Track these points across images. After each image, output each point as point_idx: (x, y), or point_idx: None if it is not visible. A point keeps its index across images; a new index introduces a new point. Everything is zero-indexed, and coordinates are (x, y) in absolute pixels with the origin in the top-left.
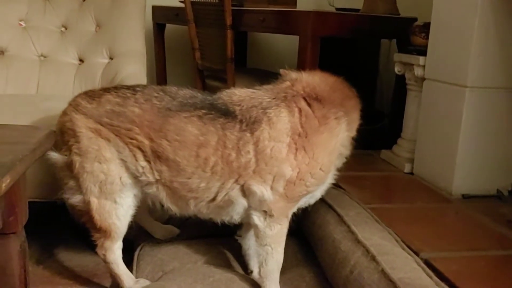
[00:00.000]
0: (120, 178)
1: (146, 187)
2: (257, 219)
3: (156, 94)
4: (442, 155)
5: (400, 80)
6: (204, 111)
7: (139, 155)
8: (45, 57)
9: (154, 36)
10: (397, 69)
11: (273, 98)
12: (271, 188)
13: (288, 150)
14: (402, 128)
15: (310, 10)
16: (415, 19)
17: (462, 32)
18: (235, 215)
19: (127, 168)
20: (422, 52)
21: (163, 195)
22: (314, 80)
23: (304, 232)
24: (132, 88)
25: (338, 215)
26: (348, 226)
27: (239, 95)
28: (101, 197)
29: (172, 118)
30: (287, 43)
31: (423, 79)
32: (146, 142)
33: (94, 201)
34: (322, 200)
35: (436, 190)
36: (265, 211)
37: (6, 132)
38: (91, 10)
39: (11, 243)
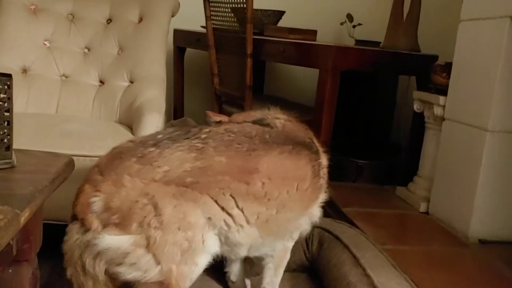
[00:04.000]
0: (203, 242)
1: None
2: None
3: (228, 138)
4: (459, 197)
5: (418, 116)
6: (289, 146)
7: (232, 204)
8: (66, 77)
9: (174, 59)
10: (416, 106)
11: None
12: None
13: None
14: (419, 166)
15: (332, 45)
16: (436, 57)
17: (485, 75)
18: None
19: (213, 227)
20: (442, 91)
21: (246, 239)
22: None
23: (317, 270)
24: (194, 136)
25: (354, 256)
26: (364, 270)
27: (283, 124)
28: (182, 263)
29: (265, 158)
30: (304, 72)
31: (442, 118)
32: (243, 186)
33: (173, 269)
34: (338, 239)
35: (452, 232)
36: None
37: (26, 159)
38: (115, 33)
39: (24, 271)
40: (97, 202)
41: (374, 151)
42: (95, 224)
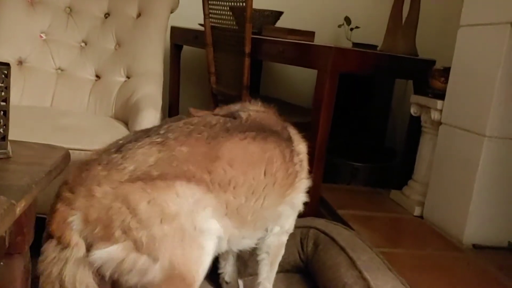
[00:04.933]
0: (196, 226)
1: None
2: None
3: (187, 129)
4: (454, 202)
5: (414, 121)
6: (253, 132)
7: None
8: (62, 70)
9: (170, 57)
10: (413, 110)
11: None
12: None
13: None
14: (414, 170)
15: (331, 46)
16: (434, 62)
17: (484, 80)
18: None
19: (202, 208)
20: (440, 96)
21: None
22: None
23: (312, 271)
24: (154, 133)
25: (350, 258)
26: (360, 272)
27: (250, 114)
28: (185, 250)
29: (227, 144)
30: (301, 74)
31: (439, 123)
32: (206, 176)
33: (176, 260)
34: (333, 241)
35: (446, 237)
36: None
37: (22, 150)
38: (113, 28)
39: (16, 263)
40: (75, 220)
41: (369, 154)
42: (74, 239)
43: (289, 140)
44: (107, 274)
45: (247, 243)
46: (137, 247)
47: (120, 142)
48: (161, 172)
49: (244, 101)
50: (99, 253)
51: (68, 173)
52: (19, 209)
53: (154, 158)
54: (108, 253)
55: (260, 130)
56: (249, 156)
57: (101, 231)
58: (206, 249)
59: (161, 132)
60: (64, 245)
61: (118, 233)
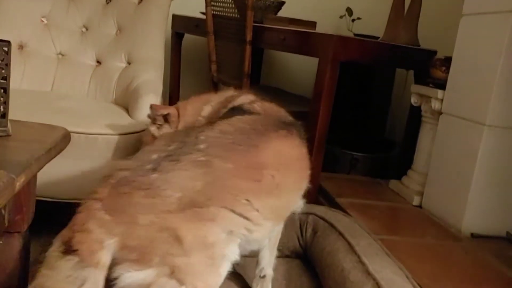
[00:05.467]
0: (225, 255)
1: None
2: None
3: (227, 141)
4: (453, 191)
5: (415, 111)
6: (283, 130)
7: (248, 208)
8: (63, 55)
9: (171, 45)
10: (413, 100)
11: None
12: None
13: None
14: (413, 160)
15: (333, 34)
16: (435, 52)
17: (485, 70)
18: None
19: (234, 238)
20: (441, 85)
21: (263, 234)
22: None
23: (311, 256)
24: (193, 149)
25: (349, 244)
26: (359, 257)
27: (261, 106)
28: (207, 278)
29: (267, 151)
30: (302, 63)
31: (440, 112)
32: (255, 185)
33: (199, 286)
34: (332, 227)
35: (445, 226)
36: None
37: (22, 129)
38: (114, 13)
39: (15, 242)
40: (112, 244)
41: (369, 145)
42: (106, 261)
43: (301, 128)
44: None
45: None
46: (173, 272)
47: (154, 157)
48: (209, 197)
49: (235, 89)
50: (130, 275)
51: (101, 187)
52: (18, 183)
53: (201, 183)
54: (139, 277)
55: (284, 125)
56: (288, 157)
57: (137, 256)
58: (223, 276)
59: (201, 147)
60: (89, 264)
61: (157, 260)
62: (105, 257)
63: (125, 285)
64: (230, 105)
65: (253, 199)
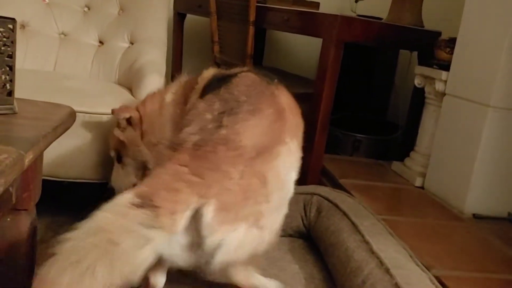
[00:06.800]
0: (289, 191)
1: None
2: None
3: (254, 90)
4: (456, 173)
5: (418, 93)
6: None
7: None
8: (65, 35)
9: (173, 25)
10: (417, 81)
11: None
12: None
13: None
14: (416, 141)
15: (337, 14)
16: (439, 33)
17: (490, 51)
18: None
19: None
20: (445, 67)
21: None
22: None
23: (315, 236)
24: (235, 102)
25: (353, 223)
26: (363, 236)
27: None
28: (278, 216)
29: (282, 97)
30: (305, 45)
31: (443, 94)
32: (294, 126)
33: (276, 219)
34: (337, 207)
35: (447, 207)
36: None
37: (28, 107)
38: None
39: (22, 220)
40: (209, 208)
41: (371, 127)
42: (181, 225)
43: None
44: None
45: None
46: (257, 220)
47: (209, 116)
48: (271, 138)
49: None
50: (229, 238)
51: (178, 154)
52: (27, 160)
53: (262, 128)
54: (236, 235)
55: (266, 79)
56: (291, 101)
57: (234, 215)
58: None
59: (243, 98)
60: (163, 225)
61: (247, 211)
62: (184, 222)
63: (229, 250)
64: (203, 82)
65: (288, 135)
